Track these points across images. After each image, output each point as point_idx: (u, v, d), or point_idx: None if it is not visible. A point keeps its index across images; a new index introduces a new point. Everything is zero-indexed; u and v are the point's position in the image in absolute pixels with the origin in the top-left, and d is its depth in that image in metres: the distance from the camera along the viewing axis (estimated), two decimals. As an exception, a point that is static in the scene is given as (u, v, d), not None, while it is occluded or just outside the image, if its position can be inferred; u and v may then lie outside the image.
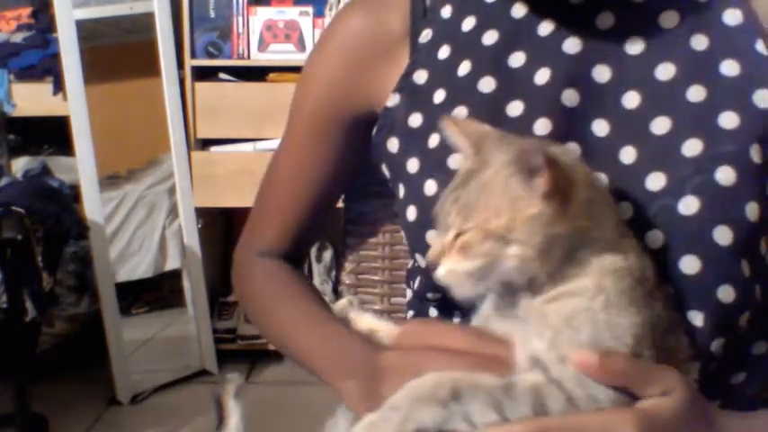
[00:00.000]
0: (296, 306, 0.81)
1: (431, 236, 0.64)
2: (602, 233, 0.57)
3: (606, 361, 0.54)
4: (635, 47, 0.67)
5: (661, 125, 0.64)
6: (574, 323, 0.55)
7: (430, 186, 0.70)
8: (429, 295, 0.76)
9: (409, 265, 0.84)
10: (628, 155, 0.65)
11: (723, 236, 0.61)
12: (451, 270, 0.57)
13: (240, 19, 2.57)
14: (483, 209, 0.56)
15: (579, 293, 0.56)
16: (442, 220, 0.59)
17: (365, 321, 0.70)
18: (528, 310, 0.58)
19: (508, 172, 0.55)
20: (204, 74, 2.60)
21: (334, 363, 0.71)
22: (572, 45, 0.68)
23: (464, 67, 0.72)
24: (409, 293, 0.84)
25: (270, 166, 0.89)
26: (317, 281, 2.80)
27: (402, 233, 0.77)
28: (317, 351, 0.74)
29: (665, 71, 0.66)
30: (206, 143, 2.63)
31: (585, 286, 0.56)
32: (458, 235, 0.57)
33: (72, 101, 2.40)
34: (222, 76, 2.61)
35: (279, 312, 0.82)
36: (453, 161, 0.69)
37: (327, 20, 2.55)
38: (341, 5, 2.49)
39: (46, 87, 2.56)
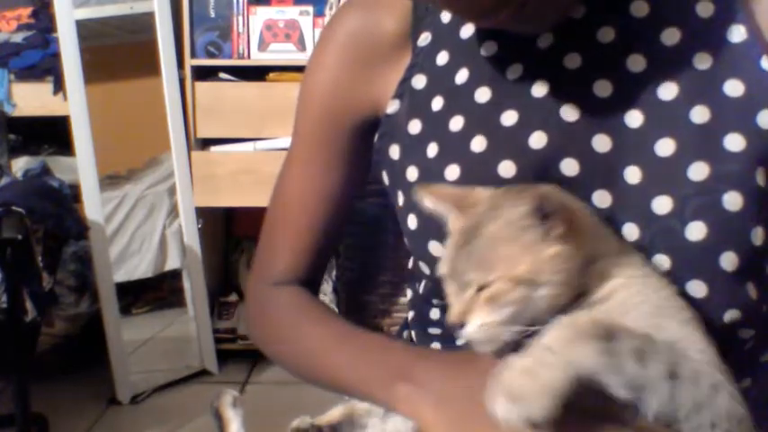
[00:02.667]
0: (325, 329, 0.77)
1: (449, 292, 0.61)
2: (607, 246, 0.60)
3: None
4: (636, 64, 0.65)
5: (665, 147, 0.63)
6: (630, 305, 0.57)
7: None
8: (434, 301, 0.76)
9: (410, 265, 0.84)
10: (632, 175, 0.64)
11: (729, 261, 0.61)
12: (484, 324, 0.57)
13: (240, 19, 2.57)
14: (502, 259, 0.57)
15: (618, 290, 0.58)
16: (455, 279, 0.59)
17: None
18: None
19: (523, 221, 0.57)
20: (204, 74, 2.60)
21: (378, 370, 0.68)
22: (572, 60, 0.67)
23: (462, 75, 0.71)
24: (409, 293, 0.84)
25: (276, 187, 0.85)
26: (317, 281, 2.80)
27: (405, 240, 0.76)
28: (355, 363, 0.71)
29: (668, 91, 0.64)
30: (206, 143, 2.62)
31: (618, 284, 0.58)
32: (479, 289, 0.57)
33: (72, 101, 2.40)
34: (222, 75, 2.60)
35: (306, 339, 0.78)
36: (450, 172, 0.69)
37: (327, 19, 2.54)
38: (341, 5, 2.49)
39: (46, 87, 2.56)
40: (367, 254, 0.96)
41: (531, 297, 0.56)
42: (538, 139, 0.66)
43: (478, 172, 0.67)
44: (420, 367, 0.64)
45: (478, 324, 0.57)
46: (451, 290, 0.60)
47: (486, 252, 0.57)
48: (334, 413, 0.68)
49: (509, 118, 0.67)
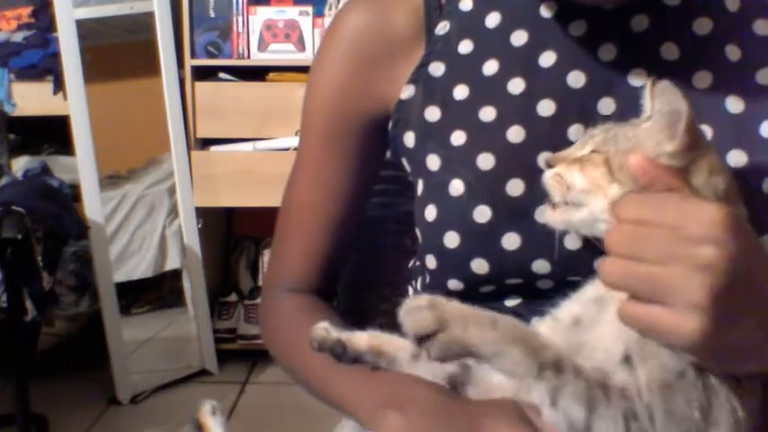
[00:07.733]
0: None
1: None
2: None
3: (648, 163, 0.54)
4: (670, 53, 0.66)
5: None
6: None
7: (456, 187, 0.68)
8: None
9: (410, 264, 0.84)
10: None
11: None
12: (558, 175, 0.59)
13: (240, 19, 2.57)
14: (622, 141, 0.57)
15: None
16: (583, 136, 0.62)
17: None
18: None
19: (658, 122, 0.56)
20: (204, 74, 2.60)
21: (371, 392, 0.65)
22: (607, 51, 0.67)
23: (491, 67, 0.71)
24: (411, 292, 0.84)
25: (286, 193, 0.83)
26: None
27: (417, 231, 0.73)
28: (351, 383, 0.67)
29: (702, 79, 0.65)
30: (206, 143, 2.62)
31: None
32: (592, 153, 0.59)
33: (72, 101, 2.40)
34: (222, 75, 2.60)
35: (302, 350, 0.72)
36: (482, 161, 0.68)
37: (327, 20, 2.54)
38: (340, 5, 2.49)
39: (46, 87, 2.56)
40: (367, 254, 0.96)
41: (604, 188, 0.56)
42: (576, 132, 0.66)
43: (515, 161, 0.67)
44: (413, 399, 0.62)
45: (554, 172, 0.59)
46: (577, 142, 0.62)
47: (620, 132, 0.58)
48: (360, 341, 0.65)
49: (547, 108, 0.68)
